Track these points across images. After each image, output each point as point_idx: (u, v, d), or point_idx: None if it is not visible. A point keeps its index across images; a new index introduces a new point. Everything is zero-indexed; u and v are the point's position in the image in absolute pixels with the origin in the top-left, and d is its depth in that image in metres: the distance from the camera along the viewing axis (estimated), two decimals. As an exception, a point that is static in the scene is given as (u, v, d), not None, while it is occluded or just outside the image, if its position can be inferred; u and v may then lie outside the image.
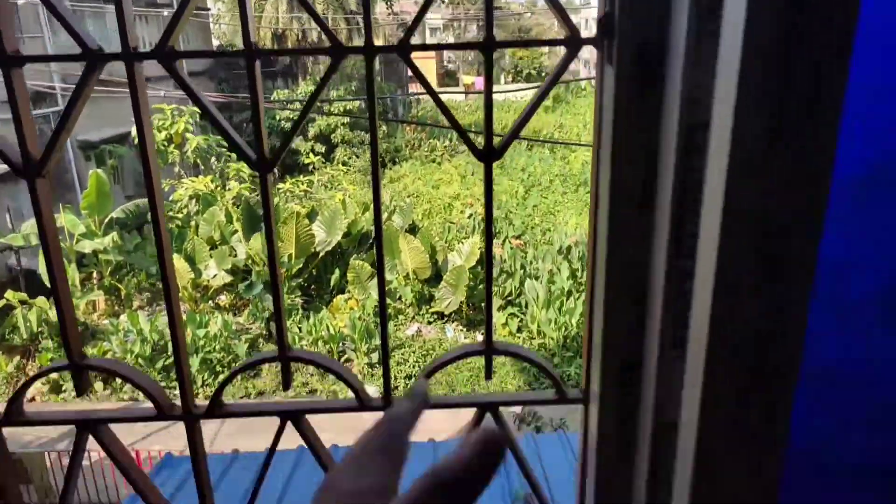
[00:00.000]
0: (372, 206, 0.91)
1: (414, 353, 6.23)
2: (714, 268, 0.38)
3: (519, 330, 7.15)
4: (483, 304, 7.28)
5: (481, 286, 6.86)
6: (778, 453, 0.41)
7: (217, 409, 0.80)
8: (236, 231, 5.99)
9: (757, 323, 0.39)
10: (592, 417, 0.62)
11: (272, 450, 0.87)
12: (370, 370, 6.40)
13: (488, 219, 0.70)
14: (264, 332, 6.13)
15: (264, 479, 0.92)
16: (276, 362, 0.77)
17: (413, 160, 8.92)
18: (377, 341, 6.16)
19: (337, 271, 6.29)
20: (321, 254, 6.23)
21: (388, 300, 7.32)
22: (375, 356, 6.27)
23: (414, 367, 6.10)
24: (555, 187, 8.02)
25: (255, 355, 0.83)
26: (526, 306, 6.72)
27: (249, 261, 5.99)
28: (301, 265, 6.01)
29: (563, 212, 7.72)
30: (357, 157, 8.97)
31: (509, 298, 6.77)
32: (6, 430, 0.77)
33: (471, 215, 7.14)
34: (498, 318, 6.78)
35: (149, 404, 0.81)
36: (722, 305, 0.38)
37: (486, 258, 0.71)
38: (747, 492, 0.43)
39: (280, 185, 7.03)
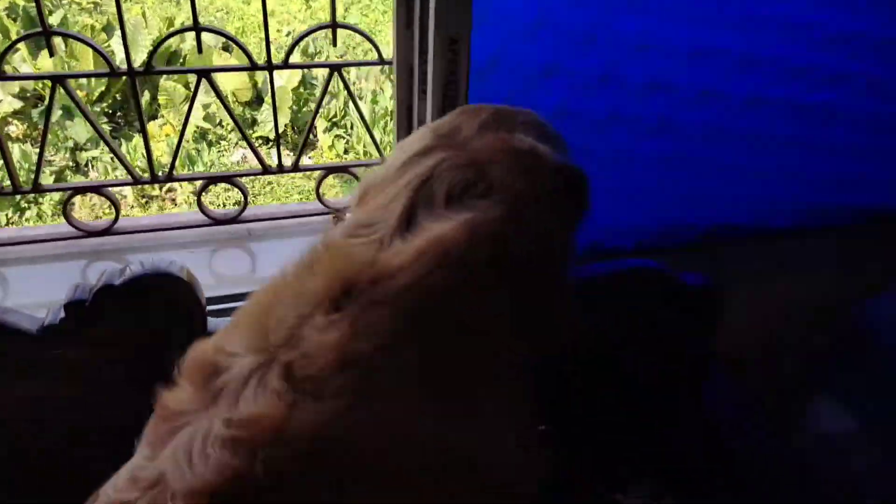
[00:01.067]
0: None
1: (241, 178, 6.50)
2: None
3: (346, 151, 7.60)
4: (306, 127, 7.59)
5: (305, 108, 7.15)
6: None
7: (150, 68, 1.26)
8: (18, 50, 5.61)
9: None
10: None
11: (190, 105, 1.36)
12: (195, 198, 6.60)
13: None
14: (70, 162, 6.04)
15: (184, 134, 1.42)
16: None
17: (219, -31, 8.52)
18: (200, 168, 6.33)
19: (147, 94, 6.21)
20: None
21: (209, 125, 7.38)
22: (199, 183, 6.41)
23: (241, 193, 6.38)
24: (375, 5, 8.24)
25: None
26: (351, 127, 7.15)
27: (41, 83, 5.73)
28: (103, 88, 5.85)
29: (385, 30, 8.03)
30: (153, -37, 8.36)
31: (334, 120, 7.14)
32: None
33: (289, 33, 7.22)
34: (324, 140, 7.15)
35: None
36: None
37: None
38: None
39: (64, -5, 6.51)
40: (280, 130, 6.88)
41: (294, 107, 6.77)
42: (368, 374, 0.57)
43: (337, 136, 6.99)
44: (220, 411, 0.57)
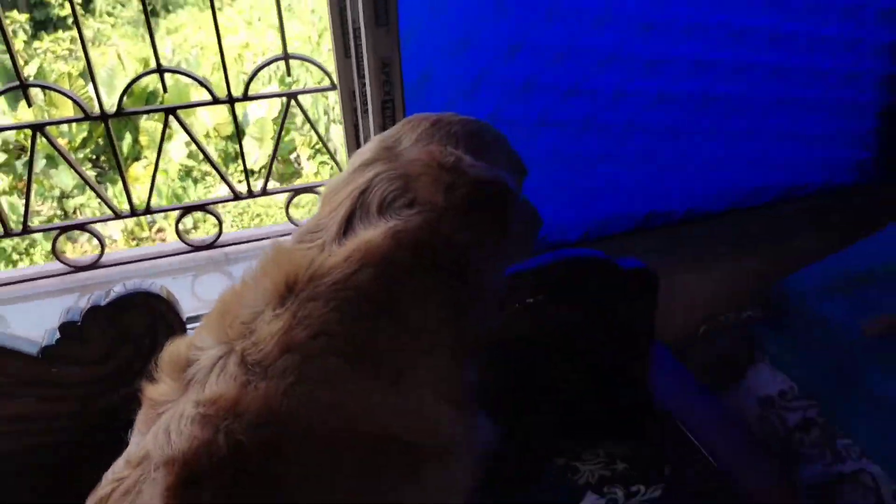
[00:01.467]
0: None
1: (229, 212, 6.64)
2: None
3: (331, 177, 7.67)
4: (290, 156, 7.75)
5: (287, 138, 7.34)
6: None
7: (120, 110, 1.41)
8: (-4, 103, 5.79)
9: None
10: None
11: (161, 142, 1.51)
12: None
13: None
14: (58, 210, 6.19)
15: (158, 167, 1.56)
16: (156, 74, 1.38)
17: (190, 6, 8.75)
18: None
19: (128, 136, 6.38)
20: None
21: (192, 162, 7.53)
22: (189, 222, 6.58)
23: (232, 226, 6.51)
24: (349, 29, 8.45)
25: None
26: (335, 152, 7.30)
27: (21, 134, 5.89)
28: (85, 134, 6.04)
29: (361, 54, 8.22)
30: (123, 6, 8.59)
31: (317, 147, 7.31)
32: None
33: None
34: (310, 167, 7.31)
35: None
36: None
37: None
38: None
39: (37, 44, 6.72)
40: (264, 162, 7.05)
41: (276, 135, 6.95)
42: (306, 358, 0.69)
43: (322, 162, 7.14)
44: (191, 396, 0.70)
